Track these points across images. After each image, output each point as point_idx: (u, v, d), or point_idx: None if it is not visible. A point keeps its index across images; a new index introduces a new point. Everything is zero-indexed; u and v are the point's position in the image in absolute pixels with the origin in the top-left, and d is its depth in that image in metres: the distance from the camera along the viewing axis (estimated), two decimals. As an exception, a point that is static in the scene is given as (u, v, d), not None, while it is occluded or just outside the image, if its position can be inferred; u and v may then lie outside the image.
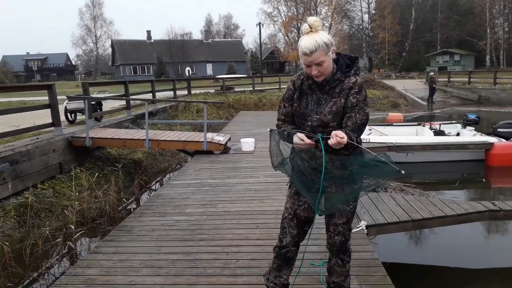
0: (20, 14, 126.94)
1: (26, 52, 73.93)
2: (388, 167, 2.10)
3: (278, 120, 2.50)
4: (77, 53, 77.42)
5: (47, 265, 4.78)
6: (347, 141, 2.09)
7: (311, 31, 2.17)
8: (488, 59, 45.58)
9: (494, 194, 8.14)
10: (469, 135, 10.00)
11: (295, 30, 54.25)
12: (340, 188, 2.30)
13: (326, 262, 2.73)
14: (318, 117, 2.29)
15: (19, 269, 4.59)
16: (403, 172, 2.05)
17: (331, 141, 2.07)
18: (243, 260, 3.42)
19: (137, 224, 4.38)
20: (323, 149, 2.16)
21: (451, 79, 29.02)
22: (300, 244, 2.57)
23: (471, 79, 26.96)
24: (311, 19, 2.18)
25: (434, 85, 24.70)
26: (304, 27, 2.20)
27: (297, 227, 2.48)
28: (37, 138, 7.40)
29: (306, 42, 2.15)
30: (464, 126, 10.55)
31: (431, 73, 26.33)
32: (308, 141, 2.18)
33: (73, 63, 78.26)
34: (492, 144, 9.07)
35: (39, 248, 5.03)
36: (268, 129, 2.41)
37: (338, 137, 2.06)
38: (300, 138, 2.20)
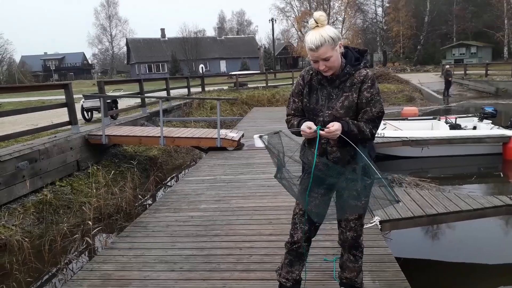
0: (37, 15, 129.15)
1: (44, 52, 75.31)
2: (388, 193, 2.16)
3: (287, 115, 2.49)
4: (93, 52, 78.62)
5: (65, 261, 4.89)
6: (349, 130, 2.17)
7: (317, 26, 2.16)
8: (506, 51, 44.52)
9: (512, 189, 8.00)
10: (486, 129, 9.82)
11: (308, 25, 53.78)
12: (351, 183, 2.31)
13: (339, 257, 2.73)
14: (330, 112, 2.27)
15: (39, 265, 4.72)
16: (400, 203, 2.13)
17: (322, 133, 2.15)
18: (256, 255, 3.45)
19: (152, 220, 4.45)
20: (317, 142, 2.20)
21: (467, 71, 28.47)
22: (312, 239, 2.59)
23: (489, 72, 26.42)
24: (317, 14, 2.18)
25: (450, 78, 24.27)
26: (310, 22, 2.20)
27: (308, 223, 2.48)
28: (55, 137, 7.55)
29: (312, 38, 2.15)
30: (481, 119, 10.35)
31: (447, 66, 25.89)
32: (315, 128, 2.20)
33: (90, 62, 79.37)
34: (509, 137, 8.89)
35: (58, 244, 5.15)
36: (258, 135, 2.41)
37: (331, 130, 2.13)
38: (308, 126, 2.21)
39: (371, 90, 2.23)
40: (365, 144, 2.34)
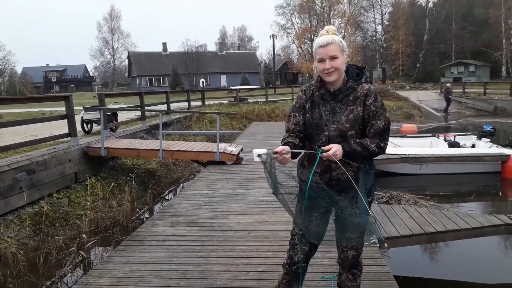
0: (40, 27, 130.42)
1: (46, 64, 75.72)
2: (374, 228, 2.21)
3: (287, 131, 2.44)
4: (94, 65, 79.01)
5: (60, 274, 4.84)
6: (351, 149, 2.22)
7: (327, 33, 2.25)
8: (504, 70, 44.88)
9: (511, 208, 7.97)
10: (485, 147, 9.84)
11: (308, 42, 54.44)
12: (353, 201, 2.30)
13: (337, 275, 2.70)
14: (335, 126, 2.27)
15: (33, 278, 4.66)
16: (386, 245, 2.16)
17: (326, 155, 2.17)
18: (253, 272, 3.41)
19: (149, 234, 4.41)
20: (315, 164, 2.20)
21: (466, 90, 28.65)
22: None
23: (487, 90, 26.58)
24: (328, 26, 2.30)
25: (450, 96, 24.47)
26: (321, 32, 2.29)
27: (309, 243, 2.45)
28: (54, 148, 7.55)
29: (322, 37, 2.24)
30: (480, 137, 10.38)
31: (448, 84, 26.05)
32: (281, 157, 2.15)
33: (91, 74, 79.78)
34: (508, 156, 8.89)
35: (53, 257, 5.09)
36: (257, 155, 2.35)
37: (329, 153, 2.15)
38: (281, 149, 2.17)
39: (376, 103, 2.27)
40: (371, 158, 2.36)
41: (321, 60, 2.23)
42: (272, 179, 2.30)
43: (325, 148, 2.18)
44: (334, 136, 2.27)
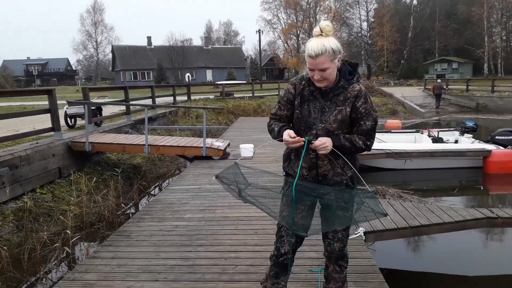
0: (21, 19, 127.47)
1: (27, 57, 74.18)
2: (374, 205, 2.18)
3: (271, 119, 2.44)
4: (77, 58, 77.70)
5: (45, 270, 4.77)
6: (340, 144, 2.23)
7: (321, 34, 2.14)
8: (486, 67, 45.85)
9: (492, 202, 8.16)
10: (467, 143, 10.04)
11: (294, 37, 54.57)
12: (339, 194, 2.32)
13: (324, 268, 2.73)
14: (323, 125, 2.26)
15: (17, 274, 4.59)
16: (388, 216, 2.17)
17: (315, 145, 2.17)
18: (241, 266, 3.43)
19: (135, 229, 4.38)
20: (303, 153, 2.22)
21: (449, 86, 29.15)
22: (297, 250, 2.59)
23: (469, 87, 27.09)
24: (323, 23, 2.15)
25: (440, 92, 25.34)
26: (315, 30, 2.16)
27: (295, 235, 2.48)
28: (37, 143, 7.41)
29: (313, 45, 2.12)
30: (462, 133, 10.59)
31: (439, 80, 26.86)
32: (297, 138, 2.19)
33: (74, 68, 78.46)
34: (490, 151, 9.10)
35: (37, 253, 5.02)
36: (214, 177, 2.39)
37: (321, 146, 2.17)
38: (288, 134, 2.21)
39: (365, 105, 2.25)
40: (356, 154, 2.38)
41: (311, 69, 2.19)
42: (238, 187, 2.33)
43: (318, 141, 2.19)
44: (321, 135, 2.27)
